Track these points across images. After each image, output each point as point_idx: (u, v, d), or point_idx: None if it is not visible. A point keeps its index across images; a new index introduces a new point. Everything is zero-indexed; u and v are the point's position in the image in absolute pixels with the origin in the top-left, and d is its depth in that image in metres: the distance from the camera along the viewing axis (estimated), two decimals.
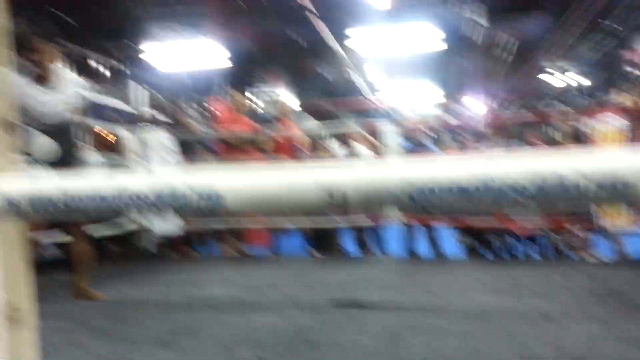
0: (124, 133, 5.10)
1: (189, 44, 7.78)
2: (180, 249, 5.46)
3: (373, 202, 0.63)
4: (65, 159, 2.86)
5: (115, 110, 6.47)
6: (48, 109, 2.85)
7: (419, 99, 12.43)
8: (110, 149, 5.30)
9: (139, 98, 5.76)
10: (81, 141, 2.97)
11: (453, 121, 5.68)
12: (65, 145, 2.84)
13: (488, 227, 4.69)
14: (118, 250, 5.25)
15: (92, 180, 0.63)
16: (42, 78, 2.83)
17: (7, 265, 0.71)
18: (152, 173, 0.65)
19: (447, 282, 3.58)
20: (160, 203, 0.58)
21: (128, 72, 8.69)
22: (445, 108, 12.06)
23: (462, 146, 5.06)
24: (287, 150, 5.44)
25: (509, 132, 5.21)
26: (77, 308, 2.87)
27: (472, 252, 4.90)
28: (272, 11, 6.30)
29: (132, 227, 4.96)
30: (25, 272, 0.76)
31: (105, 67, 7.94)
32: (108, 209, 0.60)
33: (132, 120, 5.67)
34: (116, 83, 8.45)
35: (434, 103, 12.77)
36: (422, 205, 0.65)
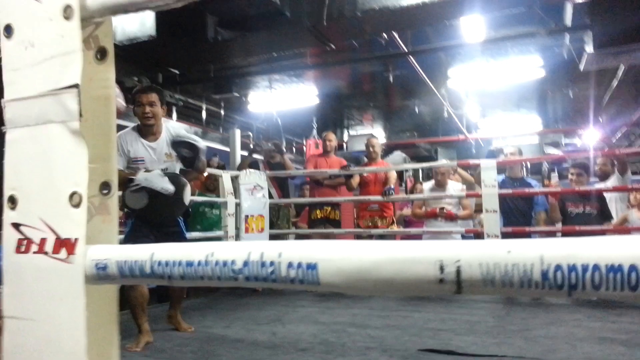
0: (223, 174, 5.37)
1: (285, 88, 8.14)
2: None
3: (497, 282, 0.48)
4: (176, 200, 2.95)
5: (215, 153, 6.88)
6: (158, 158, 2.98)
7: (520, 132, 11.83)
8: (211, 189, 5.62)
9: (237, 140, 6.09)
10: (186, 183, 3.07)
11: (558, 155, 5.27)
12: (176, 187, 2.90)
13: None
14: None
15: (179, 247, 0.60)
16: (151, 128, 2.97)
17: (95, 331, 0.68)
18: (244, 241, 0.60)
19: (548, 327, 3.24)
20: (248, 271, 0.54)
21: (228, 116, 9.23)
22: (550, 141, 11.33)
23: (570, 183, 4.64)
24: (375, 187, 5.41)
25: (622, 166, 4.72)
26: (168, 342, 2.96)
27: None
28: (366, 52, 6.39)
29: None
30: (113, 338, 0.73)
31: (207, 112, 8.50)
32: (194, 276, 0.57)
33: (231, 161, 6.00)
34: (217, 127, 9.02)
35: (536, 136, 12.09)
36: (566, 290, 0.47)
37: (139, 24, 4.65)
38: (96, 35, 0.70)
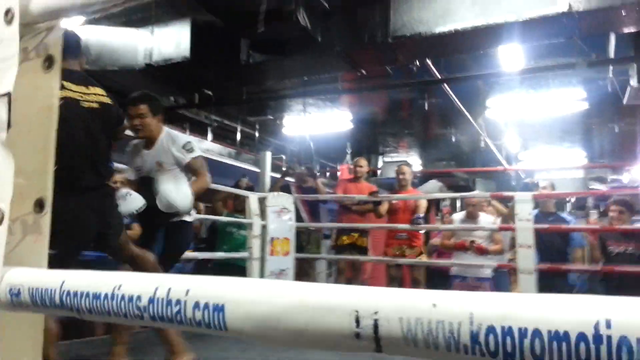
0: (250, 195, 5.37)
1: (319, 112, 8.16)
2: None
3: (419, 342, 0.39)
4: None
5: (244, 174, 6.92)
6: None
7: (563, 166, 11.42)
8: (239, 210, 5.62)
9: (267, 162, 6.10)
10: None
11: (597, 190, 5.01)
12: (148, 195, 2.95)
13: None
14: None
15: (90, 275, 0.55)
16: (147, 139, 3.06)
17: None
18: (155, 274, 0.53)
19: None
20: (154, 309, 0.47)
21: (262, 138, 9.32)
22: (595, 176, 10.86)
23: (611, 220, 4.37)
24: (404, 215, 5.28)
25: None
26: None
27: None
28: (401, 78, 6.34)
29: None
30: None
31: (242, 134, 8.60)
32: (101, 310, 0.51)
33: (260, 183, 6.01)
34: (252, 149, 9.11)
35: (577, 170, 11.64)
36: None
37: (175, 45, 4.77)
38: (45, 43, 0.67)
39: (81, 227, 2.26)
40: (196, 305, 0.45)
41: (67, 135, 2.36)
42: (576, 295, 0.36)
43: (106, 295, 0.50)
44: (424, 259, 5.30)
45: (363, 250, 5.36)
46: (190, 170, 2.90)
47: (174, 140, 2.90)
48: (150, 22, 5.28)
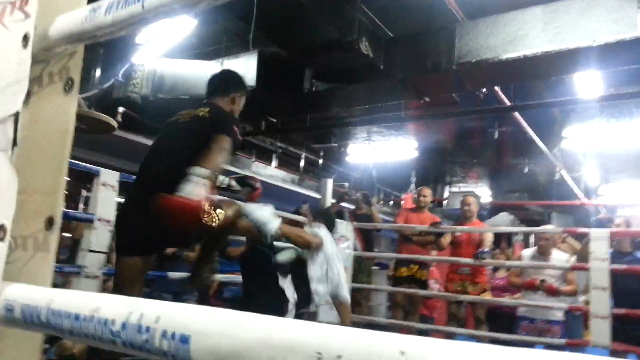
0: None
1: (384, 140, 8.11)
2: None
3: None
4: None
5: (305, 200, 6.96)
6: None
7: None
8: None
9: (328, 190, 6.12)
10: None
11: None
12: None
13: None
14: None
15: (78, 294, 0.54)
16: None
17: None
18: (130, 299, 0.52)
19: None
20: (126, 335, 0.46)
21: (327, 165, 9.38)
22: None
23: None
24: (468, 249, 5.05)
25: None
26: None
27: None
28: (468, 106, 6.18)
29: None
30: None
31: (306, 161, 8.71)
32: (80, 333, 0.50)
33: (321, 209, 6.02)
34: (315, 175, 9.19)
35: None
36: None
37: (242, 75, 4.94)
38: (68, 66, 0.69)
39: None
40: (164, 334, 0.42)
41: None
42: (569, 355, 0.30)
43: (85, 317, 0.49)
44: (487, 296, 5.02)
45: (422, 284, 5.17)
46: None
47: None
48: (221, 54, 5.54)
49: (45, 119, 0.67)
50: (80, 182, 6.53)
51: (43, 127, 0.66)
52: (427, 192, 5.46)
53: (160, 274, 4.10)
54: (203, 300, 5.50)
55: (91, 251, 3.01)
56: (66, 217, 3.46)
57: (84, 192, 6.46)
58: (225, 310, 0.42)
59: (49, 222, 0.65)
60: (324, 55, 4.42)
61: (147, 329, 0.44)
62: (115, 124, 3.60)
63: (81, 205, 6.59)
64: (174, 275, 3.87)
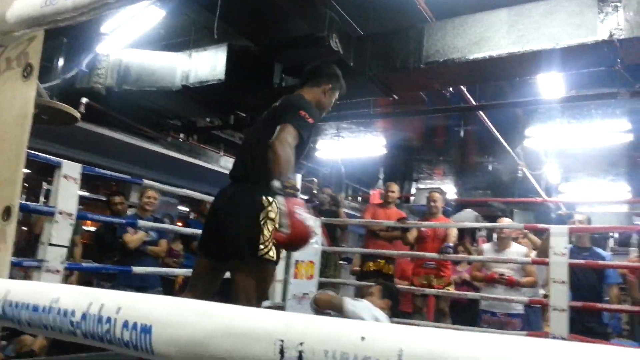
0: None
1: (353, 137, 8.15)
2: None
3: None
4: None
5: None
6: None
7: (607, 199, 10.98)
8: None
9: (297, 185, 6.10)
10: None
11: (635, 226, 4.77)
12: None
13: None
14: None
15: (34, 286, 0.52)
16: None
17: None
18: (92, 289, 0.51)
19: None
20: (85, 325, 0.45)
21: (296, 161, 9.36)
22: (637, 211, 10.35)
23: None
24: (433, 244, 5.16)
25: None
26: None
27: None
28: (435, 105, 6.27)
29: (267, 304, 5.11)
30: None
31: None
32: (39, 324, 0.48)
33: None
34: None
35: (621, 205, 11.15)
36: None
37: (210, 68, 4.89)
38: (27, 52, 0.67)
39: None
40: (125, 324, 0.42)
41: None
42: (524, 338, 0.31)
43: (44, 307, 0.47)
44: (451, 290, 5.13)
45: (389, 278, 5.23)
46: None
47: None
48: (189, 46, 5.45)
49: (2, 105, 0.64)
50: (41, 175, 6.34)
51: (0, 113, 0.64)
52: (395, 187, 5.53)
53: (124, 269, 4.03)
54: (168, 295, 5.43)
55: (52, 245, 2.92)
56: (26, 209, 3.35)
57: (45, 185, 6.28)
58: (187, 300, 0.42)
59: (6, 212, 0.63)
60: (294, 50, 4.41)
61: (108, 319, 0.43)
62: (78, 115, 3.50)
63: (42, 199, 6.40)
64: (139, 270, 3.80)
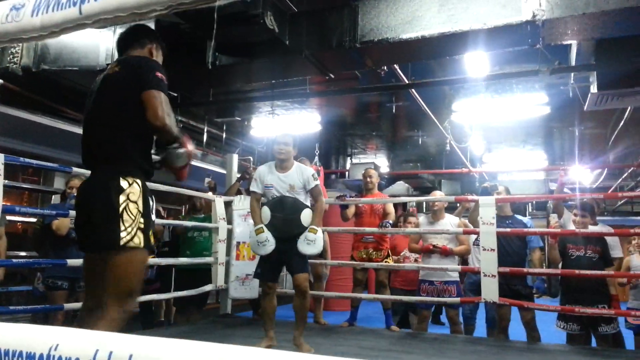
0: (216, 199, 5.28)
1: (288, 114, 8.11)
2: (257, 311, 5.51)
3: None
4: None
5: (209, 173, 6.81)
6: None
7: (523, 169, 11.77)
8: (198, 208, 5.55)
9: (234, 165, 6.02)
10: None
11: (559, 193, 5.15)
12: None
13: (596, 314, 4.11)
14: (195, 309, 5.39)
15: (23, 331, 0.48)
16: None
17: None
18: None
19: None
20: None
21: (230, 139, 9.20)
22: (552, 177, 11.18)
23: (574, 223, 4.47)
24: (370, 218, 5.32)
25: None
26: None
27: (574, 338, 4.34)
28: (368, 82, 6.35)
29: (209, 288, 5.08)
30: None
31: (209, 135, 8.47)
32: None
33: (226, 185, 5.93)
34: (219, 150, 8.98)
35: (539, 173, 12.00)
36: None
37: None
38: None
39: None
40: None
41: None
42: None
43: (41, 356, 0.45)
44: (390, 262, 5.34)
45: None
46: (312, 194, 3.79)
47: (304, 170, 3.78)
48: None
49: None
50: None
51: None
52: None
53: (59, 262, 3.83)
54: None
55: None
56: None
57: None
58: (203, 344, 0.42)
59: None
60: (227, 28, 4.27)
61: None
62: None
63: None
64: (74, 262, 3.63)
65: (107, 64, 4.80)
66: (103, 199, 2.02)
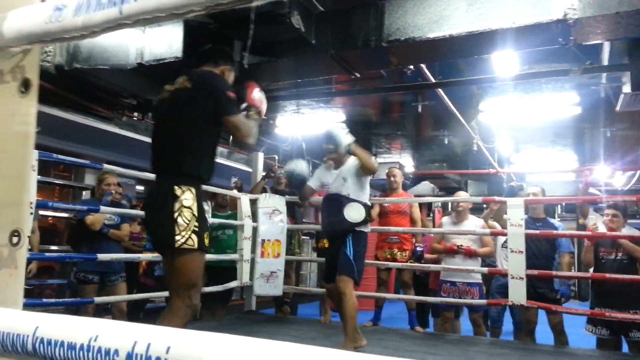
0: (242, 196, 5.34)
1: (313, 113, 8.12)
2: (280, 308, 5.55)
3: None
4: None
5: (235, 173, 6.88)
6: None
7: (553, 169, 11.52)
8: (223, 205, 5.61)
9: (259, 163, 6.07)
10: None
11: (583, 194, 5.03)
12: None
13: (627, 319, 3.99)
14: (219, 305, 5.45)
15: (66, 322, 0.50)
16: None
17: None
18: (135, 325, 0.50)
19: None
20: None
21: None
22: (581, 180, 10.89)
23: (605, 225, 4.36)
24: (395, 218, 5.29)
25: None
26: None
27: (604, 343, 4.24)
28: (394, 81, 6.31)
29: (234, 285, 5.13)
30: None
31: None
32: None
33: (252, 184, 5.98)
34: (244, 148, 9.04)
35: (568, 174, 11.73)
36: None
37: (167, 45, 4.71)
38: (22, 65, 0.63)
39: None
40: None
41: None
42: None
43: (82, 346, 0.47)
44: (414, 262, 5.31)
45: None
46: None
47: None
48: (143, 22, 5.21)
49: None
50: None
51: None
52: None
53: (90, 256, 3.93)
54: (132, 280, 5.34)
55: None
56: None
57: None
58: (240, 338, 0.42)
59: (14, 236, 0.61)
60: (254, 27, 4.30)
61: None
62: None
63: None
64: (104, 257, 3.72)
65: (138, 63, 4.90)
66: (161, 205, 2.26)
